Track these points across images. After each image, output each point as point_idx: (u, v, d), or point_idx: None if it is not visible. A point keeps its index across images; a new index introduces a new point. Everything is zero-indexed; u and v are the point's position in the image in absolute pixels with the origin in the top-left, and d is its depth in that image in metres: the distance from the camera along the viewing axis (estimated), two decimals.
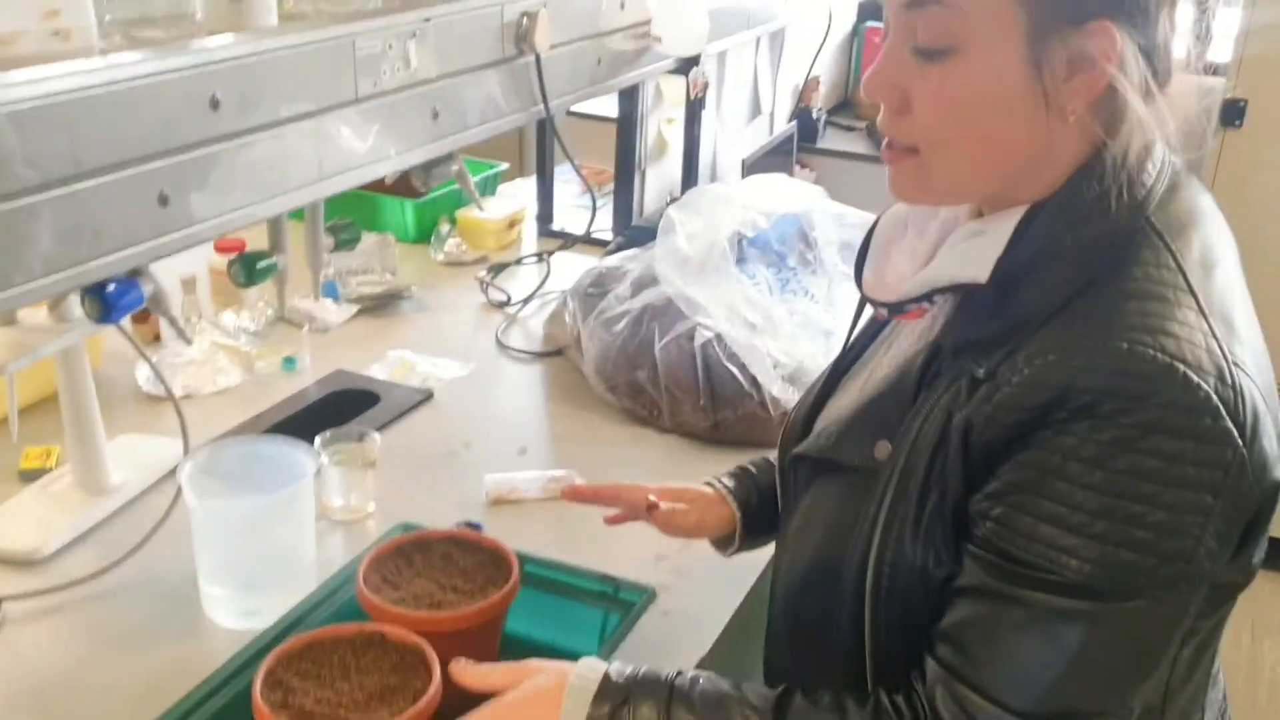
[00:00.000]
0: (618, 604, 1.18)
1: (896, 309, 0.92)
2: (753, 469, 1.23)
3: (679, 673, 0.89)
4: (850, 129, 3.29)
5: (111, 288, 1.15)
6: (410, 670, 0.99)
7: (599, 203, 2.85)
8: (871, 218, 1.82)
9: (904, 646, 0.87)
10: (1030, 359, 0.79)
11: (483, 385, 1.79)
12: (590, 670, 0.88)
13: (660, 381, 1.59)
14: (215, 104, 1.14)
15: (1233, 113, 2.74)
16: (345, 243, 1.55)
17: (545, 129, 2.32)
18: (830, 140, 3.20)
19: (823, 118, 3.17)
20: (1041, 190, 0.85)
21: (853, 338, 1.08)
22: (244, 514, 1.21)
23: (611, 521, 1.25)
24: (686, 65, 2.13)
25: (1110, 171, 0.83)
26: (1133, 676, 0.81)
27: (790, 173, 2.74)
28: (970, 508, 0.83)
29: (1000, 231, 0.85)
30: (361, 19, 1.30)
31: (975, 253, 0.85)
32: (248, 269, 1.38)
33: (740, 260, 1.57)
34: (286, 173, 1.26)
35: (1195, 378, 0.75)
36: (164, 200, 1.11)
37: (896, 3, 0.83)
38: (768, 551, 1.32)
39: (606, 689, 0.87)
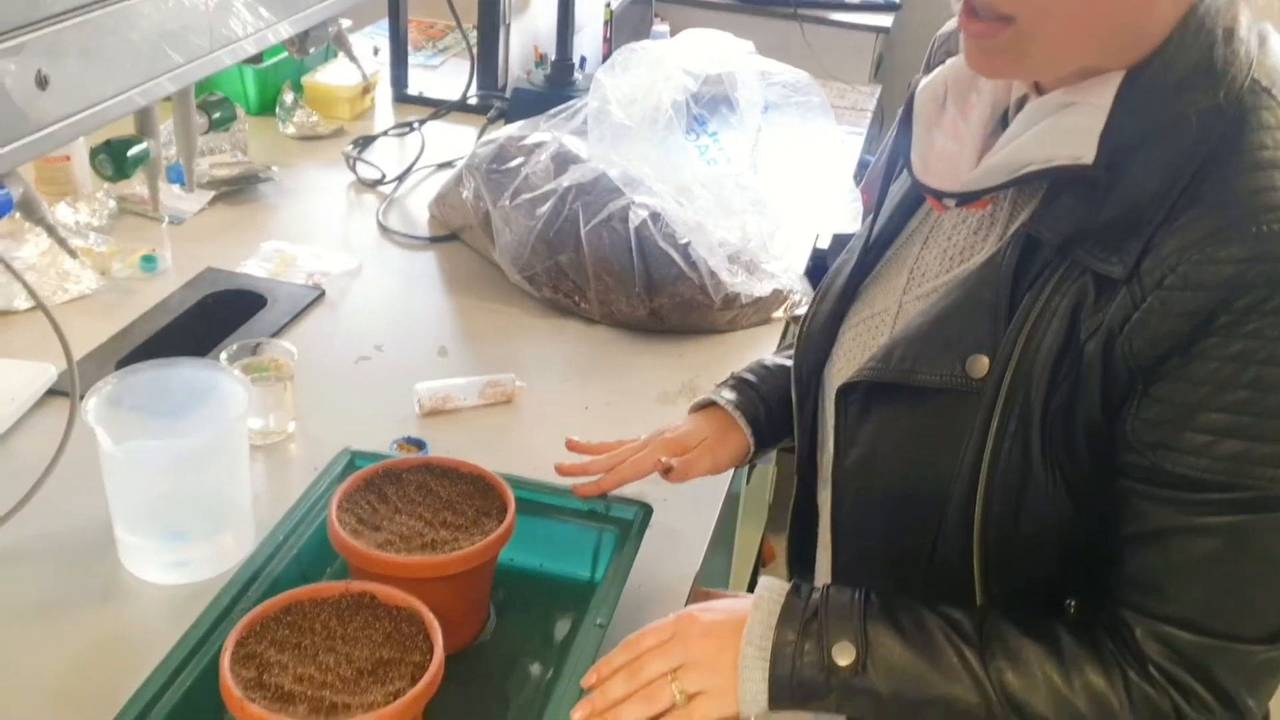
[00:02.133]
0: (611, 522, 1.08)
1: (969, 198, 0.83)
2: (751, 377, 1.13)
3: (863, 590, 0.84)
4: None
5: None
6: (407, 641, 0.86)
7: (439, 60, 2.64)
8: (799, 73, 1.73)
9: (1024, 564, 0.82)
10: (1180, 254, 0.71)
11: (376, 277, 1.61)
12: (774, 589, 0.85)
13: (586, 267, 1.46)
14: None
15: None
16: (220, 122, 1.33)
17: None
18: None
19: None
20: (1133, 56, 0.76)
21: (876, 230, 0.97)
22: (173, 456, 1.03)
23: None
24: None
25: (1209, 28, 0.75)
26: None
27: (651, 21, 2.58)
28: (1127, 435, 0.75)
29: (1096, 102, 0.76)
30: None
31: (1069, 128, 0.76)
32: (117, 159, 1.17)
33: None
34: (176, 44, 1.04)
35: None
36: (43, 82, 0.89)
37: None
38: None
39: (793, 604, 0.83)
